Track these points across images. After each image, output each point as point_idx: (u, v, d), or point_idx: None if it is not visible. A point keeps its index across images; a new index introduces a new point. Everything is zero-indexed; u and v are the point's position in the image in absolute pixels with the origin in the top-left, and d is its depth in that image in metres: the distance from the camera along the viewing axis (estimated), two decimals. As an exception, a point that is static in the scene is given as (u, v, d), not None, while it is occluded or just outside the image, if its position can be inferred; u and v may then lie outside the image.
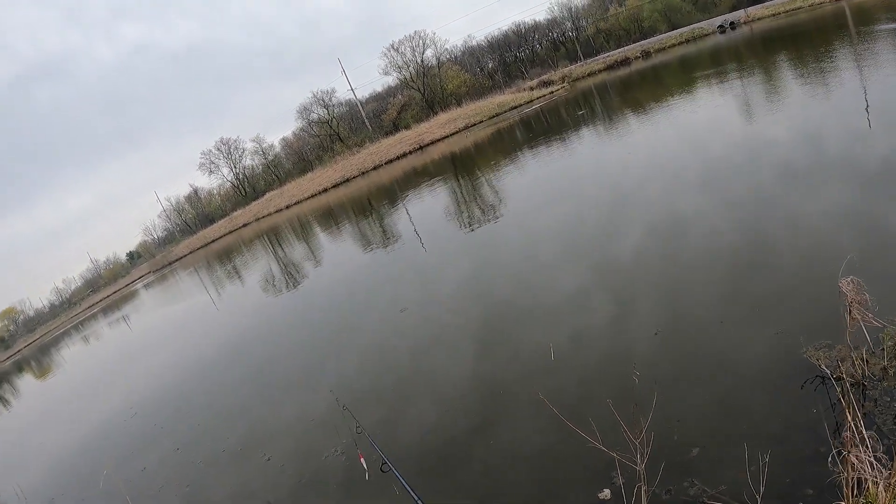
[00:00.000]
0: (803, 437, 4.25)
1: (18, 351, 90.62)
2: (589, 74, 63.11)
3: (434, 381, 8.09)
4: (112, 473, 10.78)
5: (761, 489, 3.59)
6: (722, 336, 5.96)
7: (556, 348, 7.06)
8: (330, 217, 36.85)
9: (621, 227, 10.55)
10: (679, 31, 66.07)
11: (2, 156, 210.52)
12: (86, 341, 45.87)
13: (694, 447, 4.59)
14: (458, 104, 68.56)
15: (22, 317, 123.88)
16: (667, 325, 6.60)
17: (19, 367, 60.52)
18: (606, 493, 4.50)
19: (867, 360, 4.59)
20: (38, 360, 56.20)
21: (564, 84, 59.17)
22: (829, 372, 4.69)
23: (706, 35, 55.71)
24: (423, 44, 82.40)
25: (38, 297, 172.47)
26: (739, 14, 55.48)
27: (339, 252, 22.21)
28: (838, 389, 4.46)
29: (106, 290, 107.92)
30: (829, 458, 3.88)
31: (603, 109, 28.75)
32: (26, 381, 43.32)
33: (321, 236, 29.97)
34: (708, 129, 15.05)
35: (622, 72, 53.62)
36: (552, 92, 56.08)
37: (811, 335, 5.28)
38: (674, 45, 59.17)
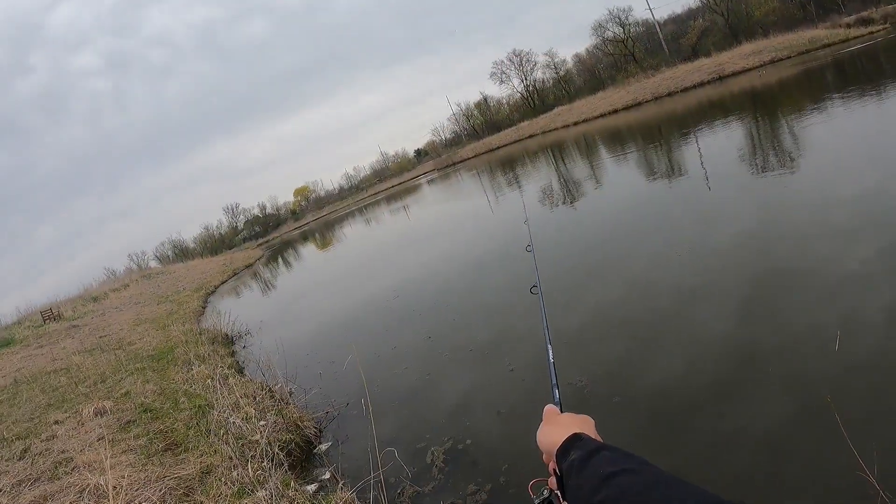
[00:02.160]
0: None
1: (306, 223, 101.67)
2: None
3: (689, 332, 7.53)
4: (363, 348, 11.86)
5: None
6: None
7: (843, 338, 5.85)
8: (617, 140, 36.12)
9: None
10: None
11: (305, 57, 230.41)
12: (367, 223, 49.66)
13: None
14: (765, 35, 63.89)
15: (313, 195, 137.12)
16: None
17: (304, 237, 67.53)
18: None
19: None
20: (322, 233, 62.22)
21: (886, 25, 52.04)
22: None
23: None
24: (732, -37, 77.24)
25: (329, 179, 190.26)
26: None
27: (620, 176, 21.78)
28: None
29: (391, 181, 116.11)
30: None
31: None
32: (308, 250, 48.07)
33: (605, 158, 29.38)
34: None
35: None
36: (871, 32, 49.04)
37: None
38: None
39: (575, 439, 1.34)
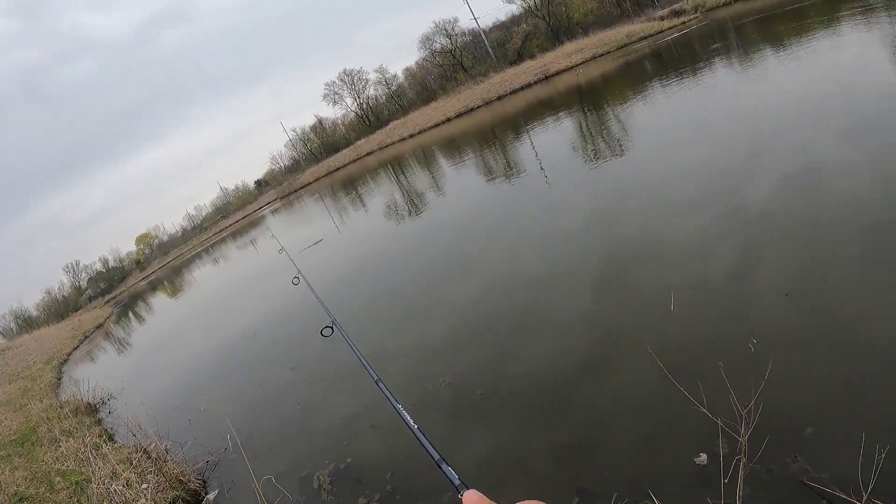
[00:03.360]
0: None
1: (153, 272, 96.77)
2: (724, 4, 59.42)
3: (545, 320, 8.09)
4: (231, 389, 11.87)
5: (870, 485, 3.46)
6: (857, 306, 5.43)
7: (677, 299, 6.83)
8: (453, 147, 36.98)
9: (755, 173, 9.83)
10: (829, -42, 61.25)
11: (137, 96, 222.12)
12: (215, 263, 48.25)
13: (805, 424, 4.35)
14: (585, 34, 67.07)
15: (156, 241, 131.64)
16: (798, 287, 6.07)
17: (153, 287, 64.61)
18: (703, 458, 4.41)
19: None
20: (171, 280, 59.80)
21: (697, 14, 56.32)
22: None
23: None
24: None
25: (171, 223, 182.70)
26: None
27: (461, 182, 22.39)
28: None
29: (235, 216, 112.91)
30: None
31: (739, 44, 27.38)
32: (159, 300, 46.28)
33: (444, 166, 30.14)
34: (854, 72, 13.70)
35: (760, 3, 50.80)
36: (684, 22, 53.28)
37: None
38: (822, -26, 55.02)
39: None
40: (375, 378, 1.86)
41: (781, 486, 3.93)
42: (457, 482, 1.59)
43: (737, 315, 6.10)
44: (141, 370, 20.03)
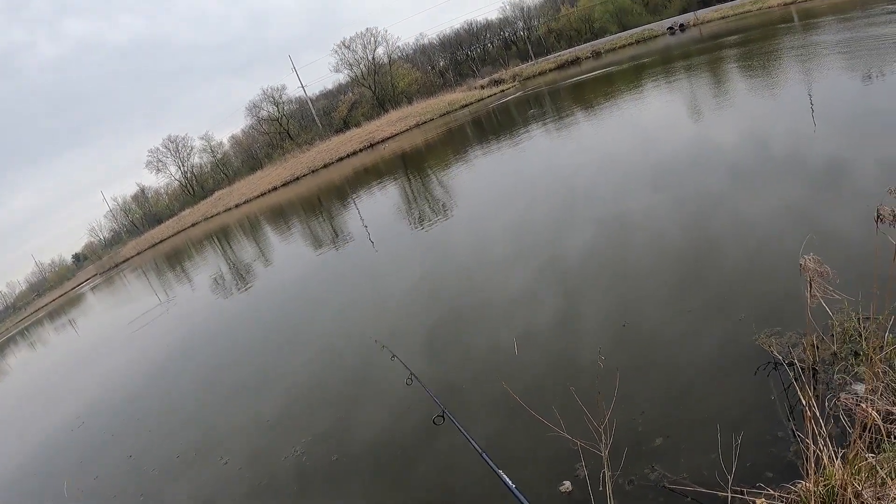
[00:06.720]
0: (761, 422, 4.33)
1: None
2: (539, 73, 64.34)
3: (383, 386, 7.98)
4: (61, 489, 10.66)
5: (729, 477, 3.63)
6: (681, 329, 6.04)
7: (519, 344, 7.04)
8: (280, 216, 36.51)
9: (574, 224, 10.62)
10: (629, 32, 67.92)
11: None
12: (32, 347, 44.72)
13: (655, 435, 4.66)
14: (409, 102, 68.99)
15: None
16: (629, 319, 6.62)
17: (-37, 377, 58.84)
18: (567, 486, 4.50)
19: (817, 346, 4.66)
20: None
21: (515, 83, 59.97)
22: (780, 358, 4.84)
23: (656, 36, 56.86)
24: (375, 41, 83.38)
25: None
26: (689, 17, 57.86)
27: (289, 252, 21.99)
28: (791, 374, 4.60)
29: (52, 293, 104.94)
30: (786, 441, 4.04)
31: (553, 108, 29.13)
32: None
33: (271, 236, 29.59)
34: (655, 129, 15.42)
35: (572, 71, 54.24)
36: (503, 90, 56.89)
37: (764, 322, 5.42)
38: (624, 46, 60.60)
39: None
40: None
41: (647, 494, 4.16)
42: None
43: (581, 346, 6.54)
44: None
